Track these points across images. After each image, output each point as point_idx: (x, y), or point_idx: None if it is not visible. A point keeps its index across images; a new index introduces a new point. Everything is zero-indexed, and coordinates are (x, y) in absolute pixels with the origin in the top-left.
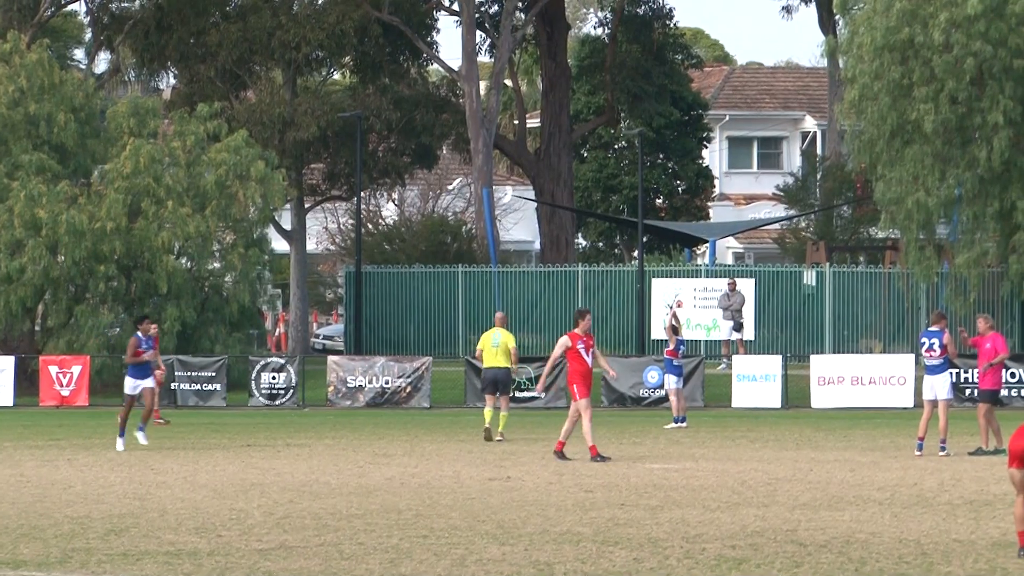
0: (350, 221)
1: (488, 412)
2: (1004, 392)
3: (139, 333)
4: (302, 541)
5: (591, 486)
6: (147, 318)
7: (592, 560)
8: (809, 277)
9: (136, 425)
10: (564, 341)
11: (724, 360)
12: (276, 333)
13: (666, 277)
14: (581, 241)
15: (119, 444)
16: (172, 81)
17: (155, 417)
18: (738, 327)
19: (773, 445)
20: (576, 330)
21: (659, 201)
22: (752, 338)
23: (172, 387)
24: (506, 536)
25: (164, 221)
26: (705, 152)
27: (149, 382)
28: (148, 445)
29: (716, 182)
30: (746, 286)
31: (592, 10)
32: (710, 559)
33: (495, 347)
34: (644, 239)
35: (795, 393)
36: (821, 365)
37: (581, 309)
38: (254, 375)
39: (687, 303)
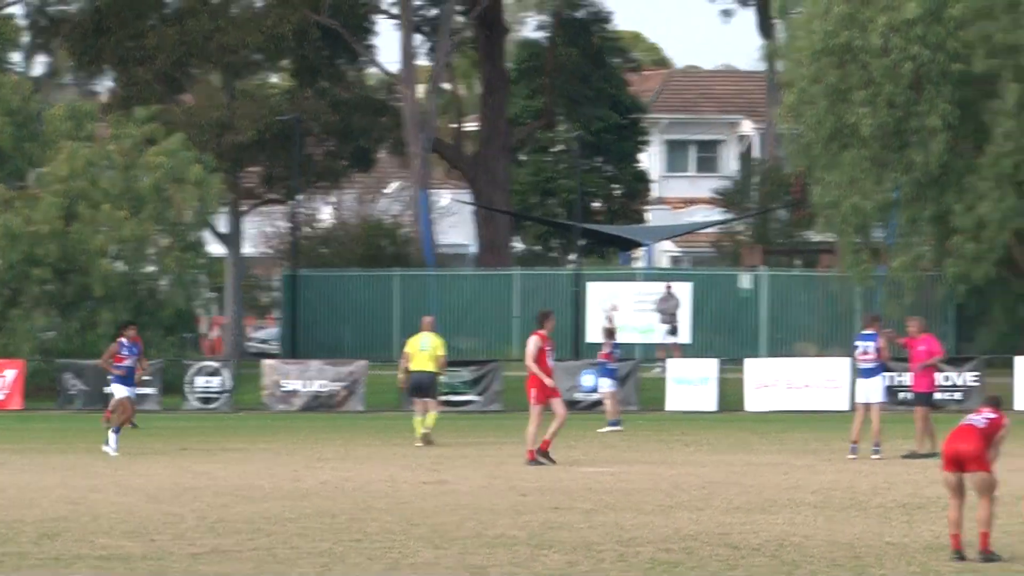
0: (286, 224)
1: (417, 421)
2: (938, 396)
3: (123, 340)
4: (236, 545)
5: (525, 490)
6: (132, 324)
7: (526, 564)
8: (745, 281)
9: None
10: (536, 341)
11: (659, 363)
12: (211, 337)
13: (602, 281)
14: (518, 245)
15: (111, 446)
16: (109, 84)
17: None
18: (673, 330)
19: (707, 448)
20: (542, 331)
21: (596, 205)
22: (688, 341)
23: (106, 391)
24: (440, 540)
25: (100, 224)
26: (643, 156)
27: (127, 391)
28: (110, 453)
29: (653, 186)
30: (682, 289)
31: (531, 13)
32: (644, 562)
33: (423, 351)
34: (581, 243)
35: (730, 396)
36: (756, 368)
37: (545, 310)
38: (189, 378)
39: (623, 307)
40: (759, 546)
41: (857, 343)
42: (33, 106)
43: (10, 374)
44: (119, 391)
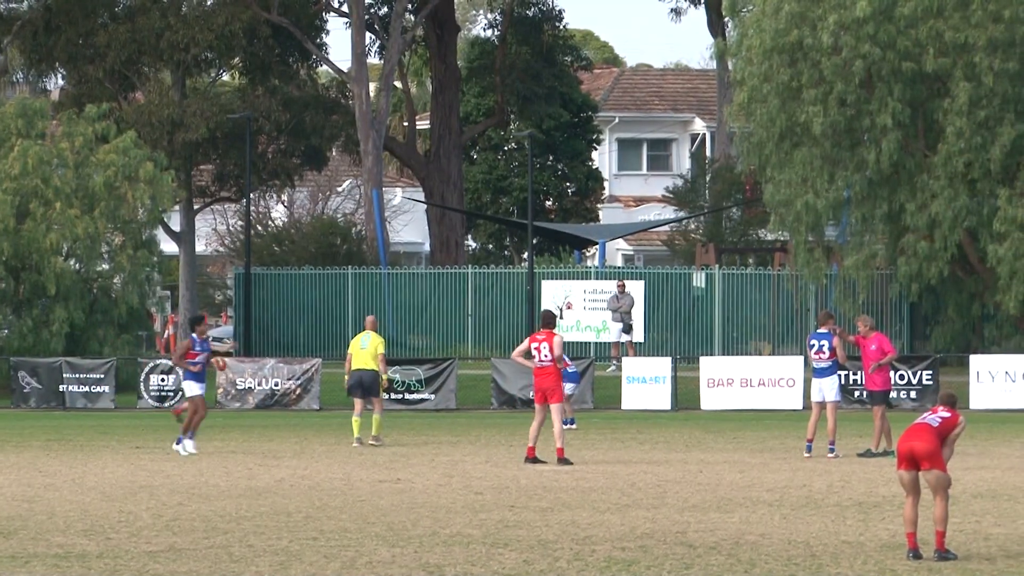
0: (239, 223)
1: (356, 420)
2: (893, 394)
3: (194, 335)
4: (191, 543)
5: (481, 488)
6: (203, 319)
7: (482, 562)
8: (698, 279)
9: (184, 432)
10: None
11: (613, 362)
12: (165, 335)
13: (556, 279)
14: (471, 243)
15: (189, 446)
16: (60, 82)
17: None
18: (627, 329)
19: (663, 447)
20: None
21: (549, 203)
22: (642, 340)
23: (60, 389)
24: (396, 538)
25: (52, 223)
26: (595, 154)
27: (200, 388)
28: (194, 453)
29: (606, 184)
30: (635, 288)
31: (482, 12)
32: (600, 561)
33: (363, 349)
34: (534, 241)
35: (684, 395)
36: (710, 367)
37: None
38: (143, 377)
39: (577, 305)
40: (715, 544)
41: (812, 341)
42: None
43: None
44: (191, 388)
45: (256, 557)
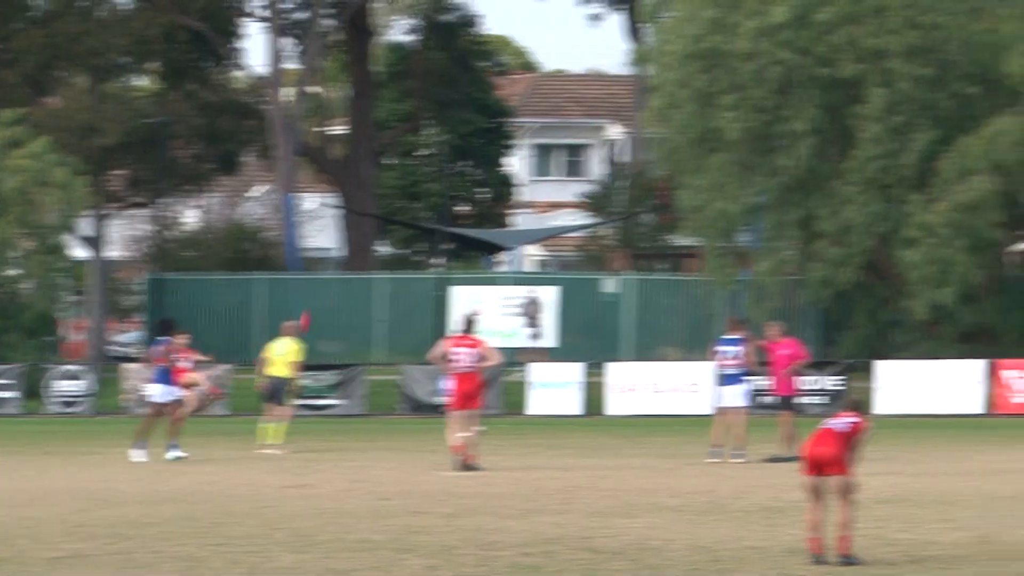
0: (151, 228)
1: (262, 427)
2: (802, 399)
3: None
4: (95, 549)
5: (387, 494)
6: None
7: (387, 568)
8: (609, 285)
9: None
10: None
11: (523, 367)
12: (73, 340)
13: (467, 285)
14: (386, 248)
15: (175, 453)
16: None
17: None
18: (538, 334)
19: (570, 452)
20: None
21: (463, 208)
22: (553, 345)
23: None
24: (301, 544)
25: None
26: (511, 160)
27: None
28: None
29: (521, 189)
30: (548, 294)
31: (399, 17)
32: (504, 566)
33: (278, 356)
34: (447, 246)
35: (594, 400)
36: (620, 372)
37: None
38: (50, 382)
39: (488, 310)
40: (620, 550)
41: (719, 347)
42: None
43: None
44: (158, 391)
45: (161, 563)
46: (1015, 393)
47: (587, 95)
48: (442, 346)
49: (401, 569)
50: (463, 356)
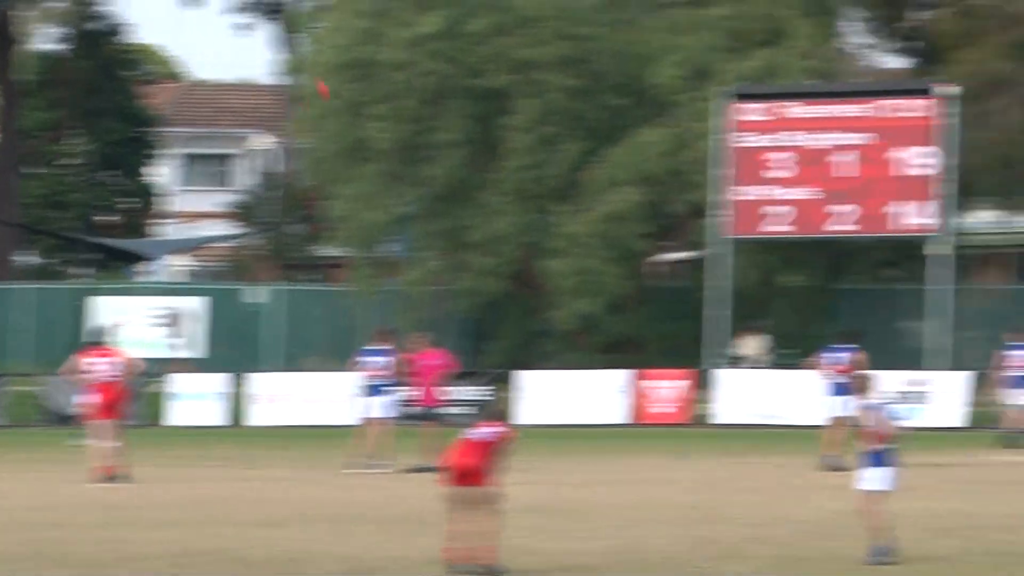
0: None
1: None
2: (447, 410)
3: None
4: None
5: (29, 505)
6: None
7: None
8: (254, 295)
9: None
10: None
11: (164, 378)
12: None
13: (111, 295)
14: (33, 258)
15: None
16: None
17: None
18: (181, 345)
19: (216, 463)
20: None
21: (110, 218)
22: (200, 356)
23: None
24: None
25: None
26: (158, 169)
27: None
28: None
29: (169, 199)
30: (194, 304)
31: (46, 25)
32: None
33: None
34: (93, 256)
35: (240, 411)
36: (265, 383)
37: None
38: None
39: (132, 321)
40: (267, 560)
41: (364, 358)
42: None
43: None
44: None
45: None
46: (654, 403)
47: (236, 105)
48: (74, 360)
49: None
50: (102, 366)
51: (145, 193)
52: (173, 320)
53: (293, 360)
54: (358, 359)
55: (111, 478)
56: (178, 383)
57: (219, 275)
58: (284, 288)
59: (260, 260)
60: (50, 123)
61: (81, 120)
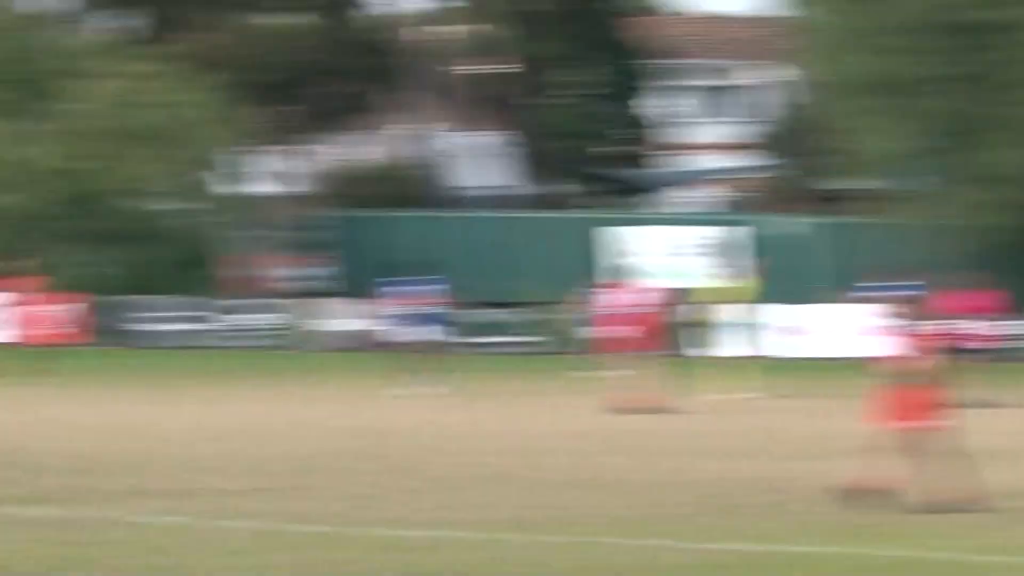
0: (333, 163)
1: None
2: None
3: None
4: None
5: (558, 432)
6: None
7: None
8: (795, 226)
9: None
10: None
11: (706, 309)
12: (236, 275)
13: (633, 225)
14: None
15: None
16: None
17: None
18: (727, 276)
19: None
20: None
21: (604, 149)
22: (743, 286)
23: None
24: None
25: (131, 162)
26: (652, 101)
27: None
28: None
29: (663, 131)
30: (738, 233)
31: None
32: None
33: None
34: (601, 188)
35: (779, 342)
36: (807, 313)
37: None
38: (222, 316)
39: (657, 253)
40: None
41: (887, 293)
42: (69, 43)
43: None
44: None
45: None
46: None
47: (727, 36)
48: (593, 292)
49: None
50: (628, 297)
51: (640, 125)
52: (719, 250)
53: (831, 293)
54: (883, 293)
55: (651, 409)
56: (722, 313)
57: (735, 207)
58: (824, 221)
59: (777, 192)
60: (551, 54)
61: (581, 52)
